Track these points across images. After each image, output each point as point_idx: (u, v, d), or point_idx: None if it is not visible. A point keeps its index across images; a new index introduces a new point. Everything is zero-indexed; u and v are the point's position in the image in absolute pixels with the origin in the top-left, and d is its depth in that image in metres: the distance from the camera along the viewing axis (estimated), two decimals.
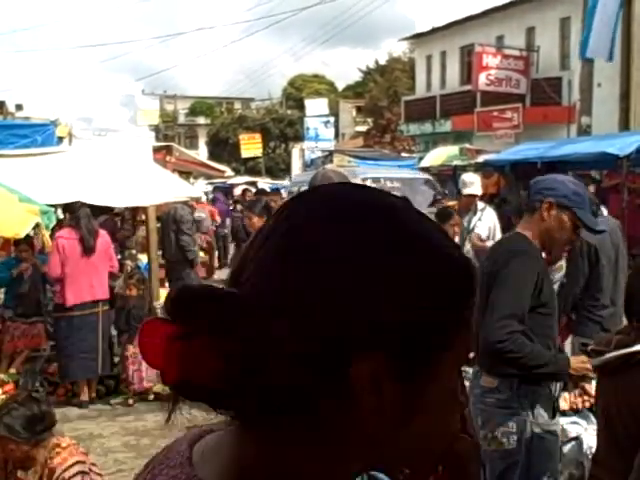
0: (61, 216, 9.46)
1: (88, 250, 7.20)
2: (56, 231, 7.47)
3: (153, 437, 6.07)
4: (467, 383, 4.56)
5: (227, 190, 25.17)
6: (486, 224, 7.51)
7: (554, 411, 3.15)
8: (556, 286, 5.86)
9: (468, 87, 25.31)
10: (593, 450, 3.86)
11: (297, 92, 57.11)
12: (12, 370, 7.70)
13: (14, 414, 3.40)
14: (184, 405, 0.73)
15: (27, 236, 7.31)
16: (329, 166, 4.41)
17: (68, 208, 7.51)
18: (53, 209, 6.46)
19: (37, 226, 6.43)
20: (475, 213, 7.58)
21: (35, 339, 7.97)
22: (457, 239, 7.44)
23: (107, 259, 7.54)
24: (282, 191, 18.00)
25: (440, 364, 0.74)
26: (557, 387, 3.22)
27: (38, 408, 3.49)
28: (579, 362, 3.09)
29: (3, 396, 7.03)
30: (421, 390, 0.73)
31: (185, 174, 16.39)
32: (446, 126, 27.37)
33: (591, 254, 5.52)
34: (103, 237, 7.48)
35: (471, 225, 7.53)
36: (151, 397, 7.24)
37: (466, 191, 7.53)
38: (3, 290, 8.36)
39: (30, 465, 3.46)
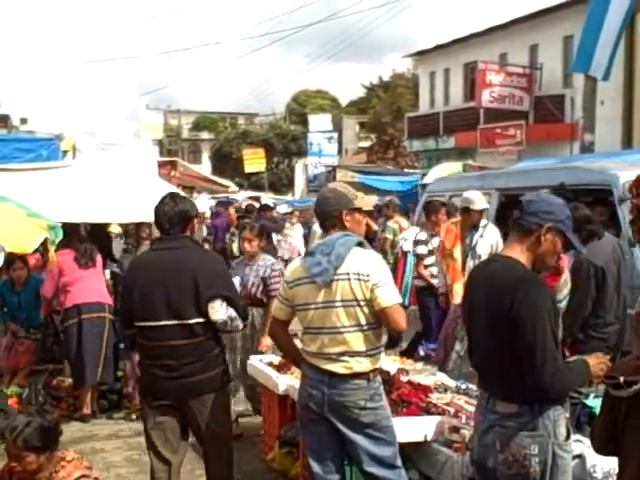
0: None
1: (85, 265, 7.30)
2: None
3: None
4: (473, 401, 4.57)
5: (230, 205, 25.26)
6: (488, 241, 7.51)
7: (568, 429, 3.14)
8: (565, 302, 5.85)
9: (471, 104, 25.40)
10: (597, 468, 3.87)
11: (301, 108, 57.32)
12: (14, 384, 7.70)
13: (33, 425, 3.46)
14: None
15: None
16: (331, 184, 4.47)
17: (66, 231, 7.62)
18: (60, 224, 6.49)
19: (45, 242, 6.45)
20: (477, 230, 7.57)
21: (38, 356, 7.98)
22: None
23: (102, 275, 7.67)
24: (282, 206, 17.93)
25: None
26: (568, 404, 3.22)
27: (50, 417, 3.59)
28: (596, 361, 3.14)
29: None
30: None
31: (189, 189, 16.47)
32: (449, 142, 27.45)
33: (598, 276, 5.50)
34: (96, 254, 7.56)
35: (473, 242, 7.53)
36: None
37: (475, 207, 7.52)
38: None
39: (37, 479, 3.49)
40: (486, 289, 3.18)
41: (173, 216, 4.37)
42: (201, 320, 4.27)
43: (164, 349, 4.28)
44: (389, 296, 3.81)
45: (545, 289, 3.12)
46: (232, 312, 4.35)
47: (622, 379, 2.53)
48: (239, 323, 4.45)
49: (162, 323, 4.26)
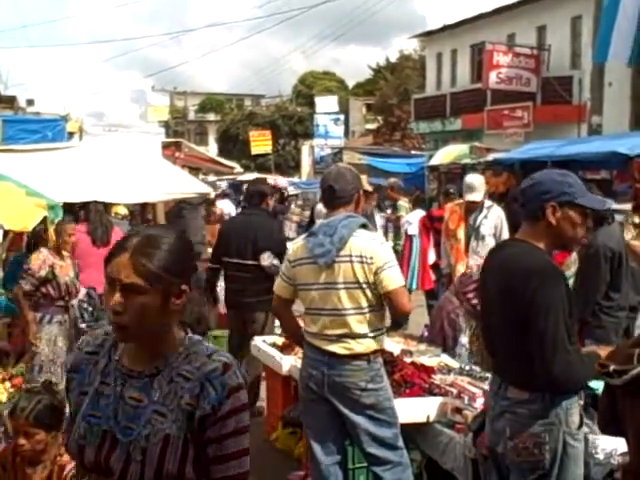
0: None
1: (98, 243, 7.22)
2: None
3: None
4: (476, 382, 4.57)
5: (236, 187, 25.27)
6: (492, 222, 7.44)
7: (581, 417, 3.11)
8: (571, 281, 5.81)
9: (478, 85, 25.24)
10: (598, 449, 3.86)
11: (307, 89, 57.04)
12: (21, 364, 7.72)
13: (44, 403, 3.47)
14: None
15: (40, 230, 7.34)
16: (341, 164, 4.66)
17: (84, 206, 7.57)
18: (60, 203, 6.47)
19: (44, 220, 6.44)
20: (481, 211, 7.51)
21: None
22: None
23: None
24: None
25: None
26: (582, 393, 3.19)
27: (60, 396, 3.58)
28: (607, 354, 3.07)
29: (12, 390, 7.07)
30: None
31: (194, 170, 16.43)
32: (456, 124, 27.31)
33: (614, 260, 5.42)
34: (117, 234, 7.47)
35: (477, 223, 7.48)
36: None
37: (467, 197, 7.46)
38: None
39: (41, 460, 3.49)
40: (501, 274, 3.12)
41: (254, 193, 6.83)
42: (255, 263, 6.41)
43: (234, 277, 6.65)
44: (394, 279, 3.80)
45: (561, 279, 3.05)
46: (277, 261, 6.21)
47: (612, 368, 2.50)
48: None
49: (234, 260, 6.48)
